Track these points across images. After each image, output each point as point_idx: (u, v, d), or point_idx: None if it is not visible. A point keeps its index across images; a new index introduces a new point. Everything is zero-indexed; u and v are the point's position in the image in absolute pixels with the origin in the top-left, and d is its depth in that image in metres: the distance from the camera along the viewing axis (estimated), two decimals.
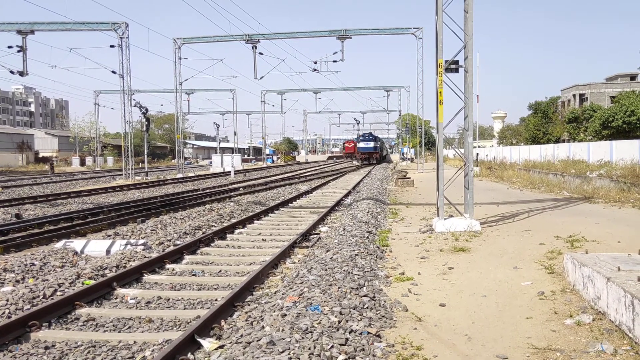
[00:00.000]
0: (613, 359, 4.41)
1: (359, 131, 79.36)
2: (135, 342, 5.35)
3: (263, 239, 11.07)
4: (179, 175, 36.13)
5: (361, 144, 64.93)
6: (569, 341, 4.85)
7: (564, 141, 51.34)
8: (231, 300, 6.25)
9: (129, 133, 34.13)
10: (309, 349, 4.46)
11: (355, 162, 63.42)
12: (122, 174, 35.49)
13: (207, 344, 5.03)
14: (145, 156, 42.89)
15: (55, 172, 49.54)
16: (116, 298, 6.93)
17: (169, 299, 6.85)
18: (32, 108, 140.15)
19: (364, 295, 6.16)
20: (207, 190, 23.33)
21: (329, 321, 5.15)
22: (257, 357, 4.33)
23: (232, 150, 64.36)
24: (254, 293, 6.90)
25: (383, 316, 5.62)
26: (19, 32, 28.64)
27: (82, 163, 65.76)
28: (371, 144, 63.92)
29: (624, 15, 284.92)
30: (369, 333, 5.02)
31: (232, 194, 21.34)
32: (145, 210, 15.72)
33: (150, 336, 5.49)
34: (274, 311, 5.67)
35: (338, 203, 16.93)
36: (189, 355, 4.84)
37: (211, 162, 53.70)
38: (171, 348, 4.66)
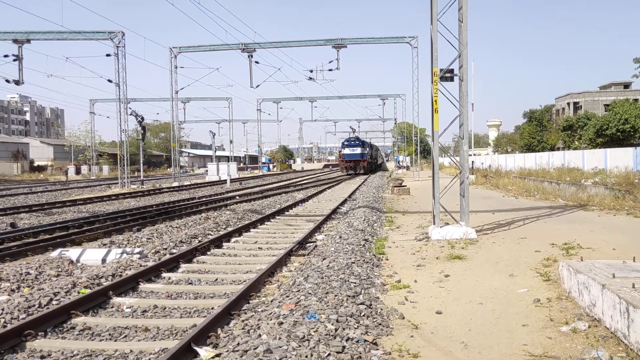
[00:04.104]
0: None
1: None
2: (131, 351, 5.33)
3: (259, 247, 11.06)
4: (175, 184, 36.07)
5: (346, 150, 54.38)
6: (565, 348, 4.87)
7: (558, 149, 51.62)
8: (228, 309, 6.25)
9: (124, 142, 34.08)
10: (306, 357, 4.46)
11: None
12: (117, 183, 35.41)
13: (204, 352, 5.02)
14: (141, 165, 42.77)
15: (69, 179, 49.55)
16: (112, 307, 6.91)
17: (165, 308, 6.83)
18: (28, 117, 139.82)
19: (361, 303, 6.17)
20: (203, 199, 23.30)
21: (326, 329, 5.15)
22: None
23: (228, 159, 64.39)
24: (250, 301, 6.90)
25: (380, 324, 5.62)
26: (15, 41, 28.67)
27: (78, 172, 65.53)
28: (357, 150, 53.45)
29: (618, 25, 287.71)
30: (365, 341, 5.02)
31: (228, 202, 21.32)
32: (141, 218, 15.68)
33: (147, 345, 5.47)
34: (271, 319, 5.67)
35: (334, 211, 16.95)
36: None
37: (207, 171, 53.62)
38: (168, 357, 4.65)
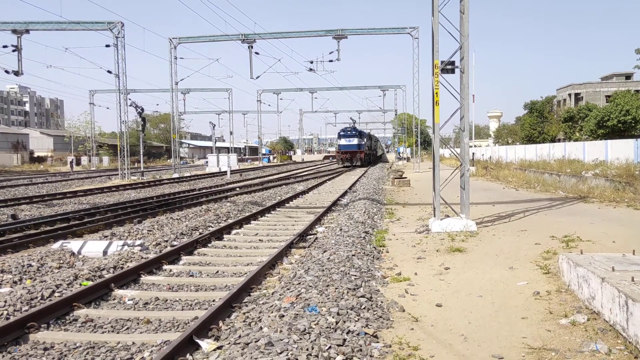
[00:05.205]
0: (607, 359, 4.47)
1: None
2: (133, 343, 5.37)
3: (260, 240, 11.09)
4: (175, 175, 36.08)
5: (342, 141, 52.12)
6: (564, 341, 4.91)
7: (559, 140, 51.56)
8: (229, 301, 6.28)
9: (124, 133, 34.04)
10: (307, 349, 4.49)
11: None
12: (117, 174, 35.42)
13: (206, 344, 5.06)
14: (141, 156, 42.76)
15: (74, 170, 49.73)
16: (114, 299, 6.95)
17: (166, 300, 6.88)
18: (27, 107, 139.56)
19: (361, 296, 6.20)
20: (204, 190, 23.33)
21: (327, 322, 5.18)
22: (256, 358, 4.37)
23: (228, 150, 64.32)
24: (251, 294, 6.93)
25: (380, 317, 5.66)
26: (14, 31, 28.53)
27: (78, 163, 65.49)
28: (354, 141, 51.09)
29: (619, 15, 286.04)
30: (366, 334, 5.06)
31: (229, 194, 21.35)
32: (142, 210, 15.71)
33: (149, 337, 5.51)
34: (272, 312, 5.70)
35: (334, 203, 16.97)
36: (188, 356, 4.87)
37: (207, 162, 53.64)
38: (170, 349, 4.69)
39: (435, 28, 10.98)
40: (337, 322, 5.23)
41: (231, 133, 62.49)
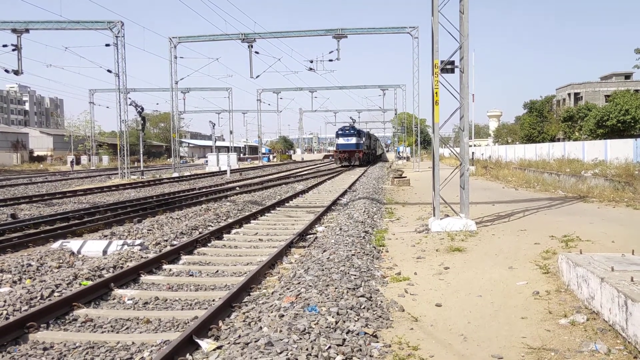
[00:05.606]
0: (606, 359, 4.48)
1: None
2: (133, 342, 5.38)
3: (260, 239, 11.09)
4: (175, 175, 36.07)
5: (340, 140, 50.84)
6: (564, 341, 4.91)
7: (559, 140, 51.58)
8: (229, 301, 6.29)
9: (124, 132, 34.03)
10: (307, 349, 4.50)
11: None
12: (117, 173, 35.44)
13: (206, 344, 5.06)
14: (141, 155, 42.76)
15: (74, 169, 49.80)
16: (114, 299, 6.95)
17: (166, 300, 6.88)
18: (27, 107, 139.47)
19: (361, 296, 6.21)
20: (203, 190, 23.32)
21: (327, 322, 5.19)
22: (256, 358, 4.37)
23: (228, 149, 64.32)
24: (251, 293, 6.94)
25: (380, 316, 5.66)
26: (14, 30, 28.51)
27: (78, 162, 65.45)
28: (352, 140, 49.68)
29: (619, 14, 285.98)
30: (365, 333, 5.06)
31: (228, 193, 21.34)
32: (142, 209, 15.72)
33: (149, 337, 5.52)
34: (272, 312, 5.71)
35: (334, 202, 16.97)
36: (187, 356, 4.87)
37: (207, 161, 53.62)
38: (170, 349, 4.69)
39: (435, 28, 10.98)
40: (336, 322, 5.23)
41: (231, 132, 62.41)
